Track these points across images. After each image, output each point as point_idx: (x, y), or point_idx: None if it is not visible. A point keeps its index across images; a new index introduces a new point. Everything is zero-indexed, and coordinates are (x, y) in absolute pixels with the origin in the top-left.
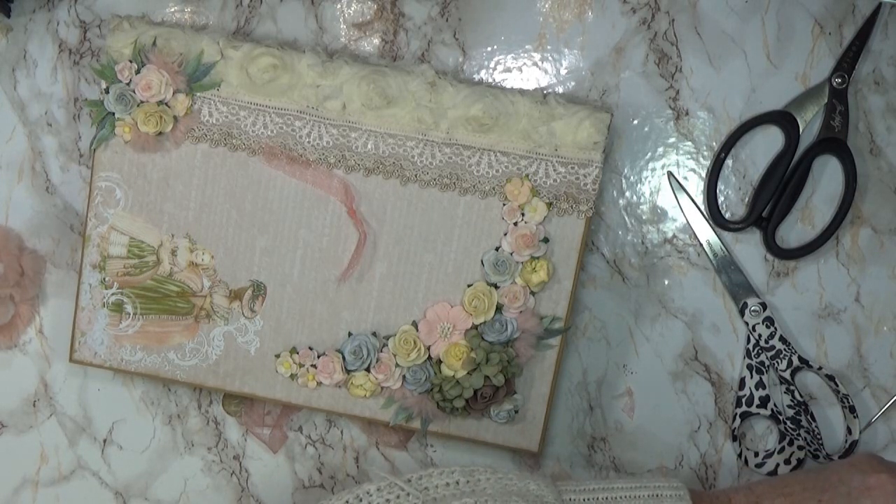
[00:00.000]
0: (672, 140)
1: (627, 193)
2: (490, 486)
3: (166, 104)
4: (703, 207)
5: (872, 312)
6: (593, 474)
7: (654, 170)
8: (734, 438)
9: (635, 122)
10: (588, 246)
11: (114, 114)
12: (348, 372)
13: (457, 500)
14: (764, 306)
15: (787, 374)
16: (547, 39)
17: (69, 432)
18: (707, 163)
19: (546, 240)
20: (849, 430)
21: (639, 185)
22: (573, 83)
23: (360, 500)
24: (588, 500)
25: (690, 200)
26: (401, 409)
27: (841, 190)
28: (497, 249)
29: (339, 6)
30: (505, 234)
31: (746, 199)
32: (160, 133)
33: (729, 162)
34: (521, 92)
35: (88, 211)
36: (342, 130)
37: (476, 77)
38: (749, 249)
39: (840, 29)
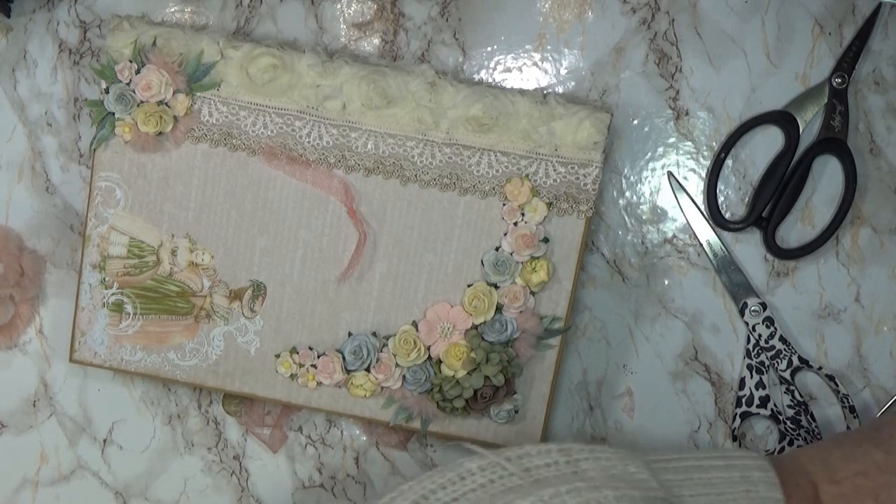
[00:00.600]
0: (672, 140)
1: (627, 193)
2: (592, 470)
3: (166, 104)
4: (703, 207)
5: (872, 312)
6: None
7: (654, 170)
8: (734, 438)
9: (635, 122)
10: (588, 246)
11: (114, 114)
12: (348, 372)
13: (567, 484)
14: (764, 306)
15: (787, 374)
16: (547, 39)
17: (69, 432)
18: (707, 163)
19: (546, 240)
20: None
21: (639, 185)
22: (573, 83)
23: (463, 479)
24: (684, 480)
25: (690, 200)
26: (401, 409)
27: (841, 190)
28: (497, 249)
29: (339, 6)
30: (505, 234)
31: (746, 199)
32: (160, 133)
33: (729, 162)
34: (521, 92)
35: (88, 211)
36: (342, 130)
37: (476, 77)
38: (749, 249)
39: (840, 29)
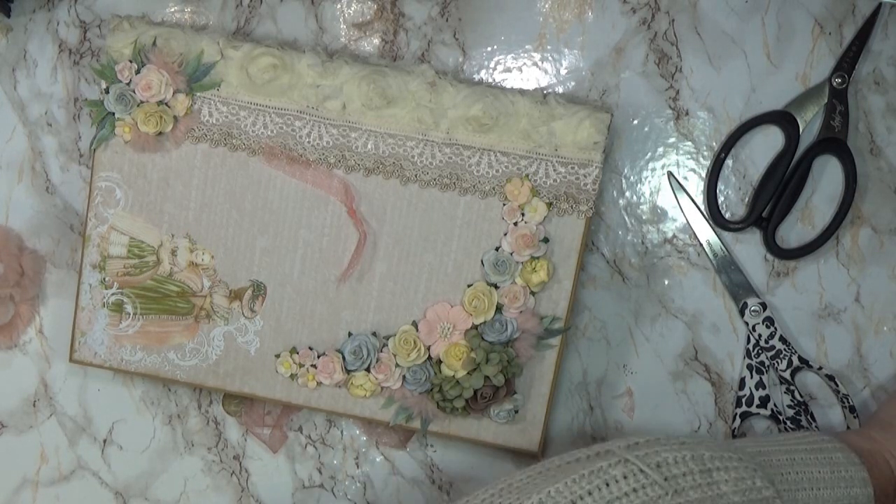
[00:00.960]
0: (672, 140)
1: (627, 193)
2: (725, 483)
3: (166, 104)
4: (703, 207)
5: (872, 312)
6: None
7: (654, 170)
8: (734, 438)
9: (635, 122)
10: (588, 246)
11: (114, 114)
12: (348, 372)
13: None
14: (764, 306)
15: (787, 374)
16: (547, 39)
17: (69, 432)
18: (707, 163)
19: (546, 240)
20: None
21: (639, 185)
22: (573, 83)
23: (608, 486)
24: (798, 492)
25: (690, 200)
26: (401, 409)
27: (841, 190)
28: (497, 249)
29: (339, 6)
30: (505, 234)
31: (746, 199)
32: (160, 133)
33: (729, 162)
34: (521, 92)
35: (88, 211)
36: (342, 130)
37: (476, 77)
38: (749, 249)
39: (840, 29)
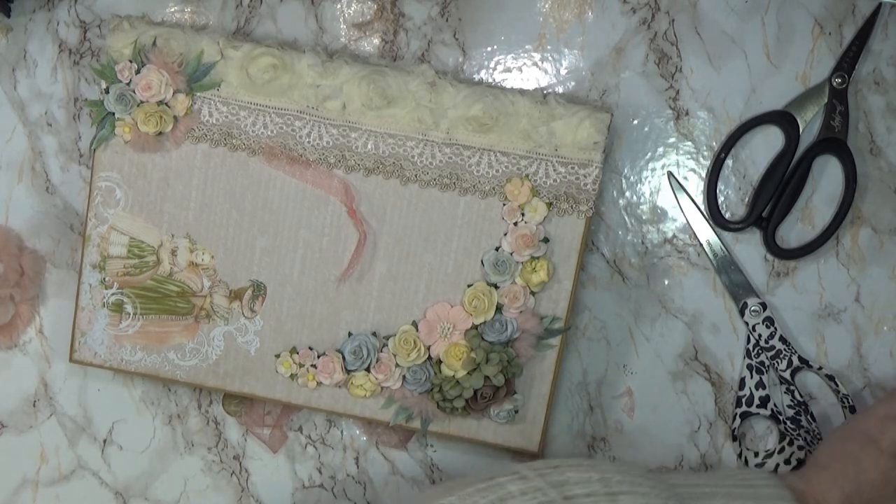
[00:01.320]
0: (672, 140)
1: (627, 193)
2: None
3: (166, 104)
4: (703, 207)
5: (872, 312)
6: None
7: (654, 170)
8: (734, 438)
9: (635, 122)
10: (588, 246)
11: (114, 114)
12: (348, 372)
13: None
14: (764, 306)
15: (787, 374)
16: (547, 39)
17: (69, 432)
18: (707, 163)
19: (546, 240)
20: None
21: (639, 185)
22: (573, 83)
23: (504, 501)
24: None
25: (690, 200)
26: (401, 409)
27: (841, 190)
28: (497, 249)
29: (339, 6)
30: (505, 234)
31: (746, 199)
32: (160, 133)
33: (729, 162)
34: (521, 92)
35: (88, 211)
36: (342, 130)
37: (476, 77)
38: (749, 249)
39: (840, 29)
